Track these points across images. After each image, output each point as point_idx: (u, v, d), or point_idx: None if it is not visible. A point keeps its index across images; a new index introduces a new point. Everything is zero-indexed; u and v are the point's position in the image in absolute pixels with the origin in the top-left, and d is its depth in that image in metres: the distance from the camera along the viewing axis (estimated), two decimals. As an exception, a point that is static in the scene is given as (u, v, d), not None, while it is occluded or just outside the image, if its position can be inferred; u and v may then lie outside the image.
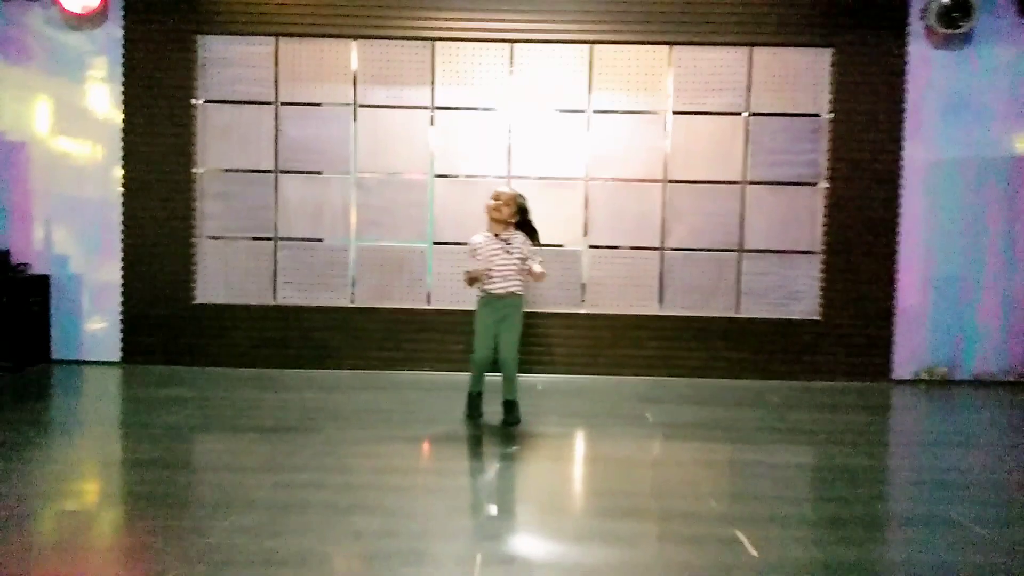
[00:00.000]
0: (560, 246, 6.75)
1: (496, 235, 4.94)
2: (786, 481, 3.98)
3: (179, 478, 3.87)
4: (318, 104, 6.75)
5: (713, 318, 6.75)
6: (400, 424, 4.94)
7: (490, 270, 4.88)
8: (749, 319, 6.75)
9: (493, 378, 5.25)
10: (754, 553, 2.97)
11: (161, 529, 3.13)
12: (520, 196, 5.02)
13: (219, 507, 3.34)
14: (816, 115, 6.71)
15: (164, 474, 3.91)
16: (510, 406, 5.07)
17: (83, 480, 3.89)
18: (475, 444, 4.60)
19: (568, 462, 4.44)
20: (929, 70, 6.66)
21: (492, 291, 4.92)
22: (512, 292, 4.95)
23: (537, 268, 4.89)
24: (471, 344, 5.13)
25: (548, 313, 6.73)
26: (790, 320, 6.75)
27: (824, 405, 5.83)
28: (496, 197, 4.95)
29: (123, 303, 6.77)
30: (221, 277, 6.82)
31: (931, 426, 5.49)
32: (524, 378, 6.38)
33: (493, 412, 5.18)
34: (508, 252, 4.92)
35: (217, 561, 2.80)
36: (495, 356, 5.01)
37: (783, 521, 3.35)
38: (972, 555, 3.04)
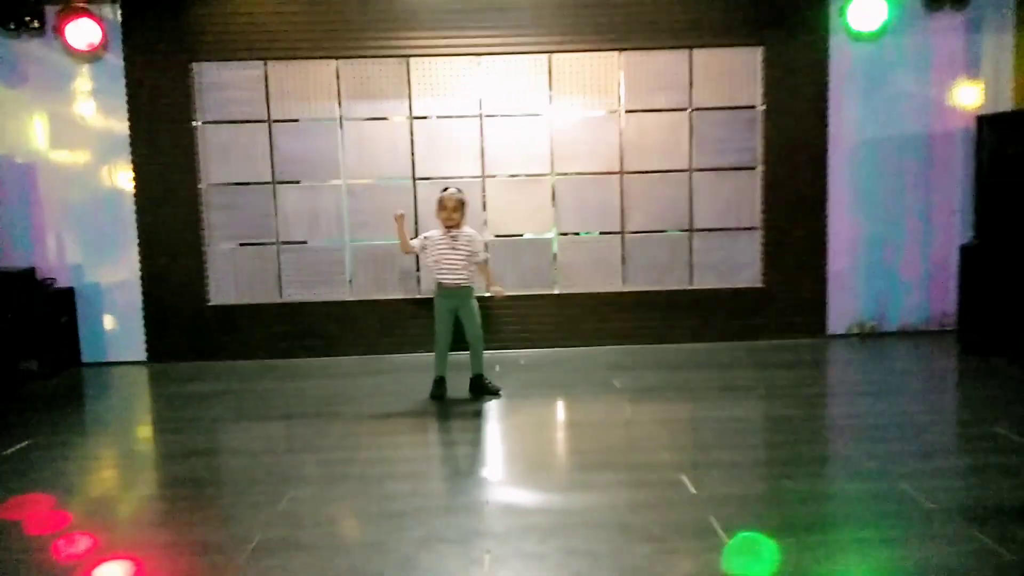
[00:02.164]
0: (520, 235, 7.63)
1: (447, 231, 5.76)
2: (726, 432, 4.95)
3: (238, 462, 4.76)
4: (307, 120, 7.49)
5: (670, 291, 7.69)
6: (405, 402, 5.84)
7: (438, 262, 5.75)
8: (701, 290, 7.70)
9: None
10: (693, 491, 3.92)
11: (235, 505, 4.01)
12: (460, 193, 5.84)
13: (277, 484, 4.22)
14: (751, 107, 7.58)
15: (225, 459, 4.80)
16: (480, 379, 5.97)
17: (161, 469, 4.75)
18: (471, 414, 5.50)
19: (549, 426, 5.38)
20: (848, 60, 7.54)
21: (443, 283, 5.78)
22: (461, 285, 5.80)
23: (496, 287, 5.94)
24: (458, 324, 5.95)
25: (525, 295, 7.62)
26: (737, 288, 7.71)
27: (767, 363, 6.82)
28: (447, 206, 5.73)
29: (144, 308, 7.55)
30: (231, 280, 7.61)
31: (855, 377, 6.52)
32: (507, 354, 7.31)
33: (457, 391, 6.09)
34: (455, 249, 5.76)
35: (289, 524, 3.70)
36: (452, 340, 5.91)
37: (719, 465, 4.31)
38: (858, 483, 4.03)
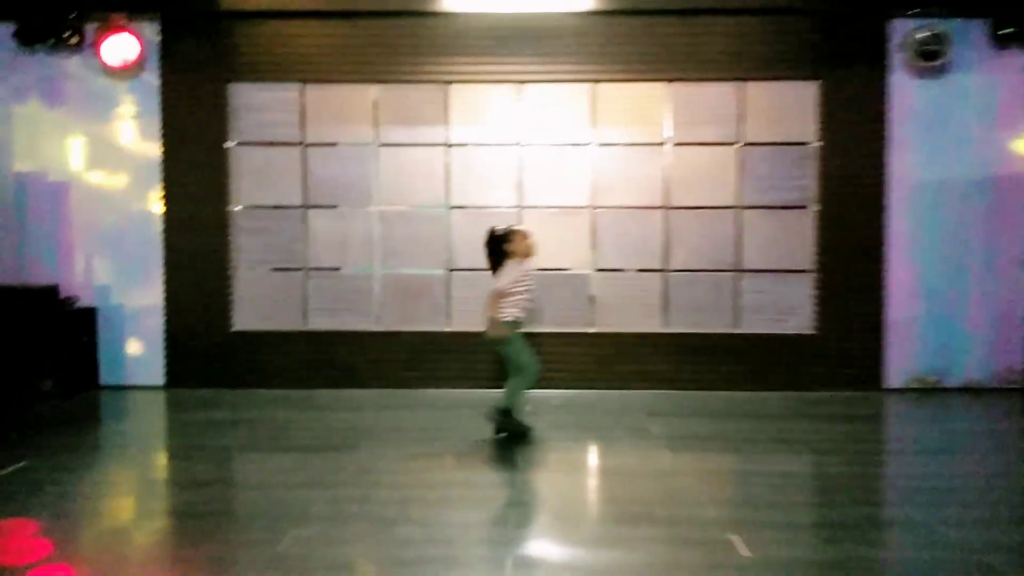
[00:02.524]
0: (566, 269, 7.27)
1: (523, 265, 5.43)
2: (777, 488, 4.46)
3: (242, 495, 4.41)
4: (342, 144, 7.29)
5: (713, 334, 7.24)
6: (428, 441, 5.45)
7: (528, 296, 5.43)
8: (747, 335, 7.24)
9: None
10: (745, 553, 3.46)
11: (233, 542, 3.65)
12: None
13: (281, 520, 3.84)
14: (805, 143, 7.20)
15: (228, 492, 4.45)
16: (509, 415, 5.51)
17: (159, 499, 4.41)
18: (498, 456, 5.09)
19: (582, 474, 4.95)
20: (910, 98, 7.13)
21: (520, 319, 5.42)
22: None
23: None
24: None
25: (560, 333, 7.22)
26: (786, 335, 7.23)
27: (818, 416, 6.31)
28: (527, 239, 5.42)
29: (166, 331, 7.31)
30: (256, 305, 7.36)
31: (916, 434, 5.98)
32: (539, 394, 6.86)
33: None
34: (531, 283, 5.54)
35: (287, 568, 3.31)
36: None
37: (773, 525, 3.84)
38: (934, 552, 3.52)
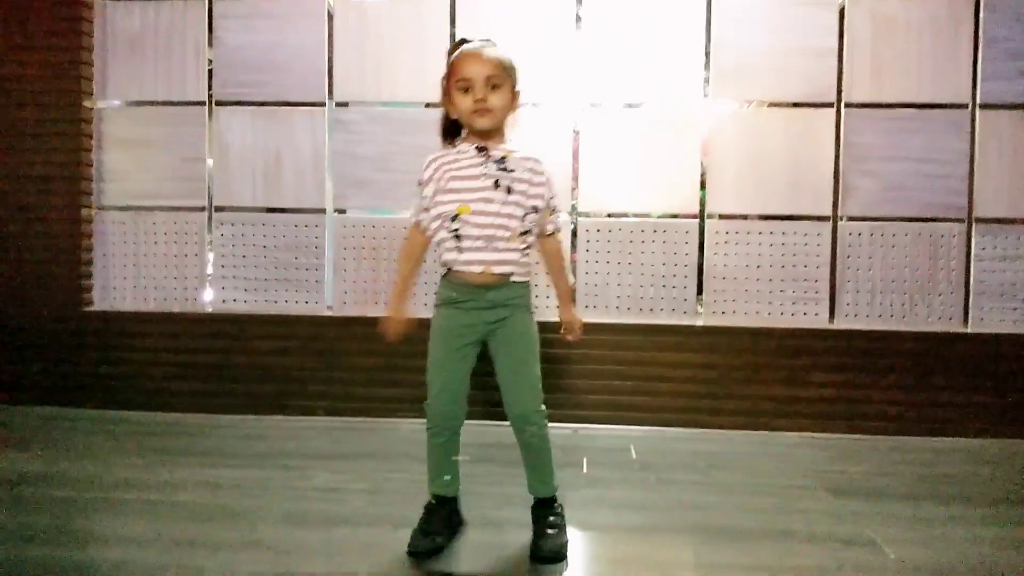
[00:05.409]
0: (663, 215, 4.15)
1: (479, 148, 2.34)
2: None
3: None
4: (274, -5, 4.32)
5: (925, 335, 4.03)
6: (366, 551, 2.38)
7: (455, 223, 2.29)
8: (987, 336, 4.02)
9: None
10: None
11: None
12: (492, 46, 2.34)
13: None
14: (1099, -11, 3.99)
15: None
16: (544, 510, 2.50)
17: None
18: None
19: None
20: None
21: (462, 271, 2.34)
22: (505, 275, 2.33)
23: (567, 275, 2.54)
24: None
25: (640, 325, 4.12)
26: (1057, 337, 4.01)
27: None
28: (469, 75, 2.29)
29: (-19, 311, 4.40)
30: (129, 270, 4.40)
31: None
32: (598, 435, 3.80)
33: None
34: (499, 186, 2.30)
35: None
36: (464, 406, 2.45)
37: None
38: None
